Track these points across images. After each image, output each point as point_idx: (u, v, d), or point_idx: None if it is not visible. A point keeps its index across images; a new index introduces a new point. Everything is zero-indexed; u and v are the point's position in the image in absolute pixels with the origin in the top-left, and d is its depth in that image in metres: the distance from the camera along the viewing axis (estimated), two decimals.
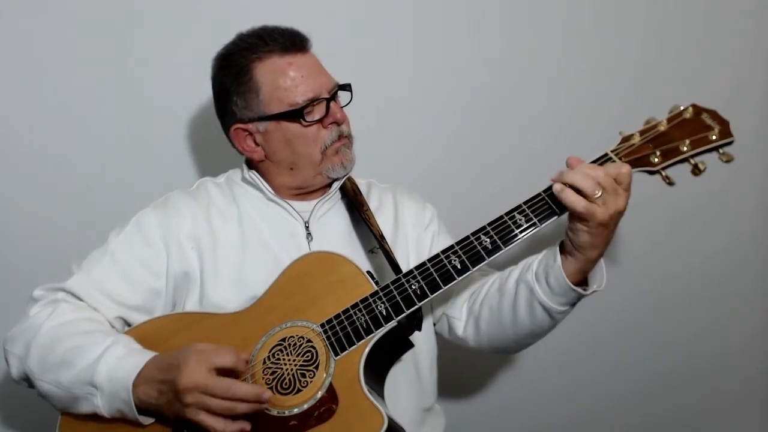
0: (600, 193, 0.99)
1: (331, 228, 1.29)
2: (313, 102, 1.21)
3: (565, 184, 1.01)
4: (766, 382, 2.00)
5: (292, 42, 1.22)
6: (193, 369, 0.98)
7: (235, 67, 1.23)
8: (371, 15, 1.69)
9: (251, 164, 1.33)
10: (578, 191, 1.00)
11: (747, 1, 1.81)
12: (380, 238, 1.24)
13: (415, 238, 1.34)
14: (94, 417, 1.08)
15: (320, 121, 1.22)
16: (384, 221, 1.31)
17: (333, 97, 1.24)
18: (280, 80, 1.21)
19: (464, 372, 1.85)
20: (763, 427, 2.02)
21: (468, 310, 1.29)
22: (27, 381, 1.14)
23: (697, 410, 1.98)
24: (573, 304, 1.13)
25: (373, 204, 1.34)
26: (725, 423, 2.00)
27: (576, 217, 1.02)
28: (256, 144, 1.26)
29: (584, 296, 1.11)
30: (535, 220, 1.06)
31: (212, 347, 1.02)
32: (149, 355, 1.06)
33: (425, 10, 1.70)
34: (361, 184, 1.39)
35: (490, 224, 1.08)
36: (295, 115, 1.20)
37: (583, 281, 1.11)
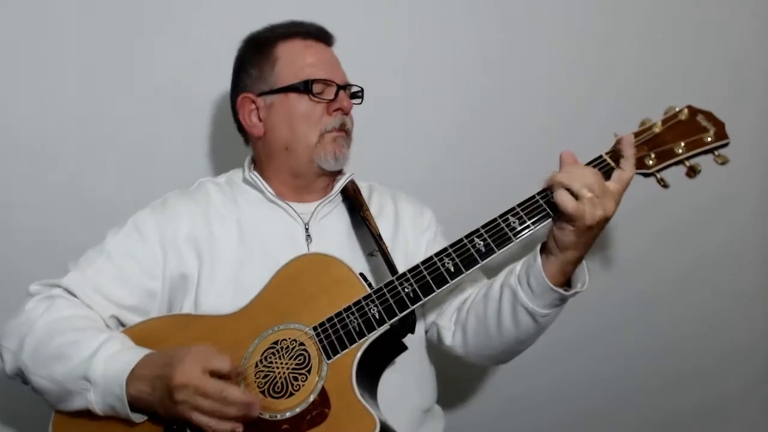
0: (590, 195, 1.00)
1: (331, 230, 1.28)
2: (324, 82, 1.25)
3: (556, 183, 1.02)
4: (766, 382, 2.00)
5: (317, 33, 1.30)
6: (187, 367, 0.98)
7: (259, 42, 1.30)
8: (370, 14, 1.69)
9: (253, 162, 1.33)
10: (570, 191, 1.01)
11: (747, 1, 1.80)
12: (378, 238, 1.23)
13: (413, 243, 1.33)
14: (87, 415, 1.07)
15: (327, 103, 1.25)
16: (384, 226, 1.31)
17: (344, 87, 1.28)
18: (298, 58, 1.26)
19: (463, 372, 1.84)
20: (764, 427, 2.01)
21: (456, 319, 1.29)
22: (21, 376, 1.14)
23: (697, 410, 1.97)
24: (556, 307, 1.13)
25: (374, 209, 1.34)
26: (725, 423, 2.00)
27: (565, 217, 1.02)
28: (259, 119, 1.28)
29: (567, 297, 1.11)
30: (528, 222, 1.05)
31: (210, 349, 1.02)
32: (144, 352, 1.06)
33: (424, 9, 1.70)
34: (363, 187, 1.39)
35: (483, 227, 1.08)
36: (305, 87, 1.24)
37: (565, 283, 1.11)
